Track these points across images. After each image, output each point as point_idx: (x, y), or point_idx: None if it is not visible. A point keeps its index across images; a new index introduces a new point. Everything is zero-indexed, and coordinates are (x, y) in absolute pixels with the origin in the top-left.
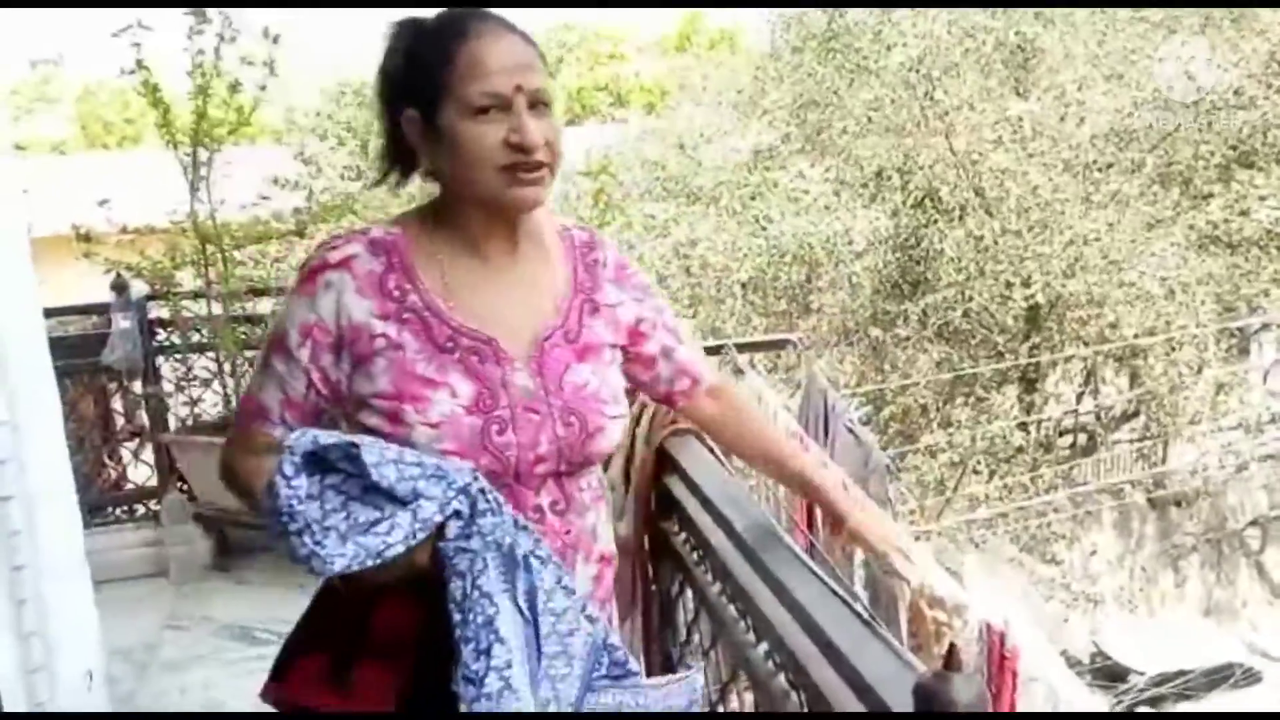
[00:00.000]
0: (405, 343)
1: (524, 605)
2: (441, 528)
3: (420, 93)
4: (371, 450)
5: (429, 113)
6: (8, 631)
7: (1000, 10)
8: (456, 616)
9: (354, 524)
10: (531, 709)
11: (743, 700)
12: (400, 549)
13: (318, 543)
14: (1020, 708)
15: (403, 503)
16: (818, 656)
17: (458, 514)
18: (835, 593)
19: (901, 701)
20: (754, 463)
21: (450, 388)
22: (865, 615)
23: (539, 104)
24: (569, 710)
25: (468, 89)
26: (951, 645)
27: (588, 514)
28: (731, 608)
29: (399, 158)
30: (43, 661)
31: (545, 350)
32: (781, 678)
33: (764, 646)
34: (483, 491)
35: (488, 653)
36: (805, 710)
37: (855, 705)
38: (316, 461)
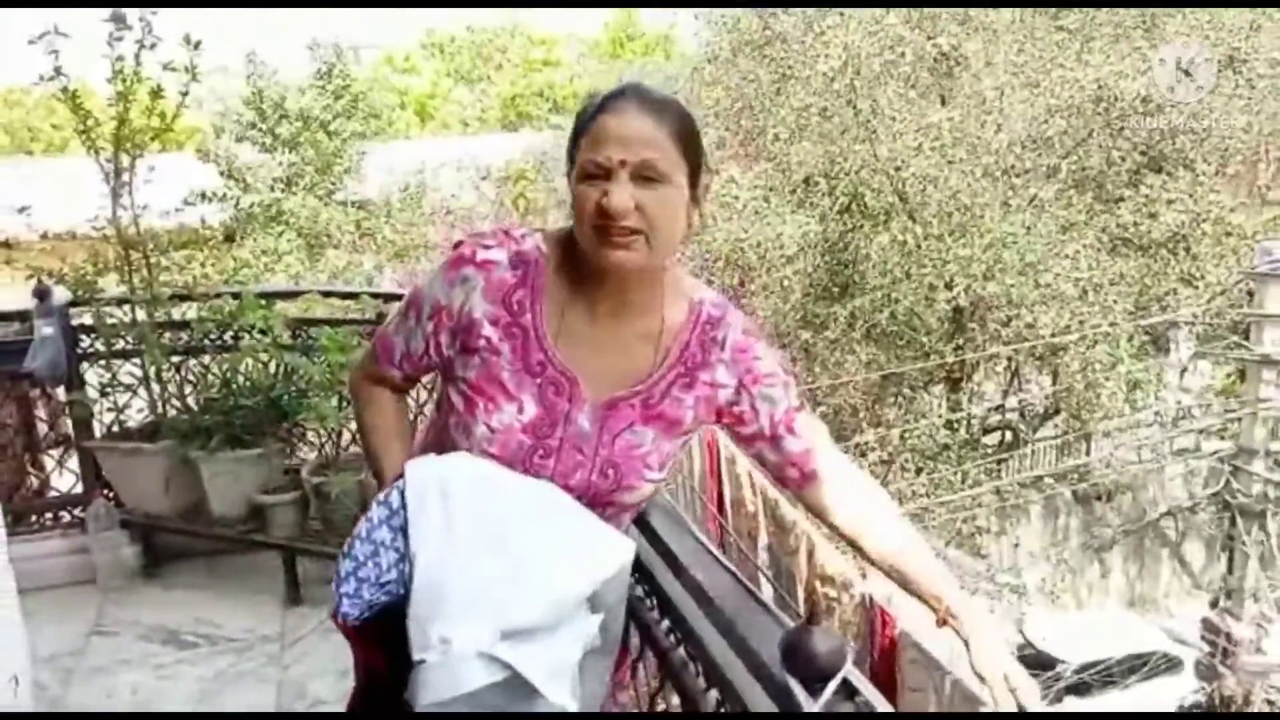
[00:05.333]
0: (502, 351)
1: None
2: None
3: (571, 153)
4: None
5: (571, 171)
6: None
7: (922, 22)
8: None
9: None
10: None
11: (649, 668)
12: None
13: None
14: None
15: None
16: (708, 625)
17: None
18: (726, 568)
19: (773, 652)
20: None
21: (520, 403)
22: (748, 588)
23: (647, 178)
24: None
25: (584, 156)
26: (812, 603)
27: None
28: (639, 589)
29: None
30: None
31: (615, 407)
32: (682, 650)
33: (666, 623)
34: None
35: None
36: (700, 672)
37: (736, 662)
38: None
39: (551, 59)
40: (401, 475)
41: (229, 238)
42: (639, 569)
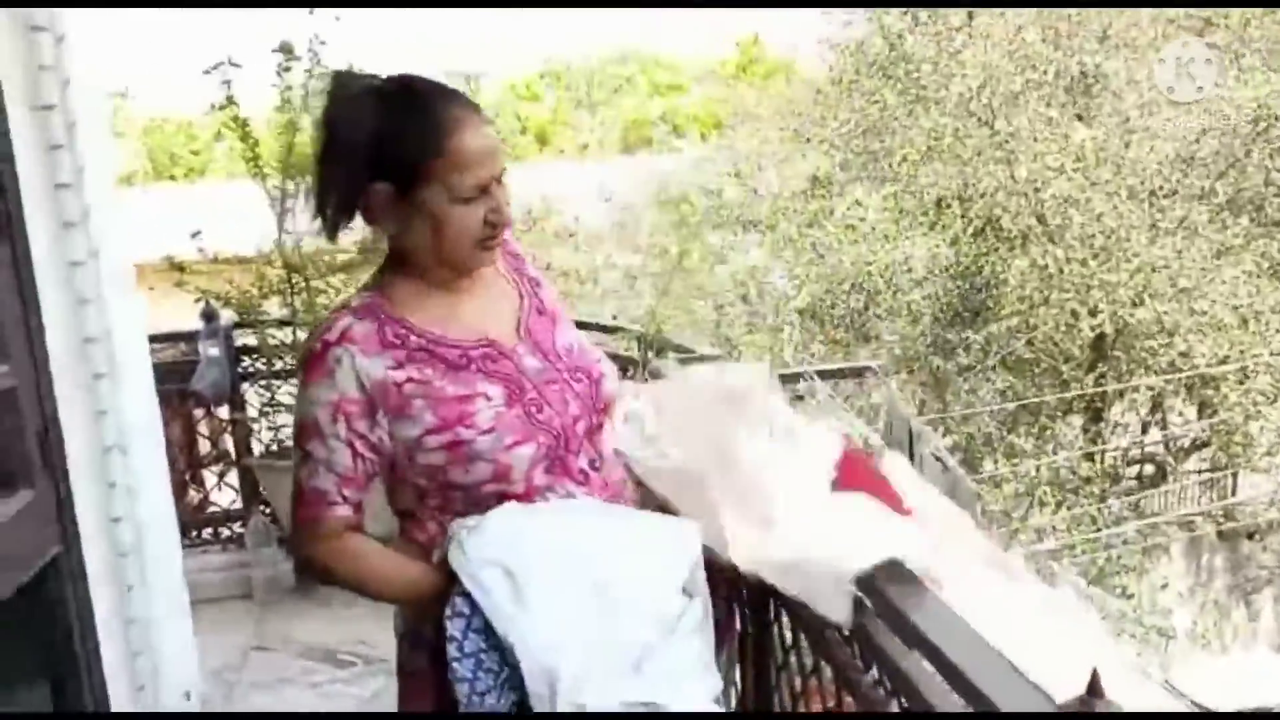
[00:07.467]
0: (428, 377)
1: None
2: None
3: (400, 172)
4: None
5: (405, 189)
6: (118, 650)
7: (1060, 40)
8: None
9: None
10: None
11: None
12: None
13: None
14: None
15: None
16: (938, 682)
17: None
18: (956, 615)
19: None
20: None
21: (484, 395)
22: (990, 643)
23: (498, 181)
24: None
25: (458, 180)
26: (1094, 671)
27: (616, 466)
28: (835, 633)
29: (346, 211)
30: (148, 680)
31: (531, 330)
32: (894, 705)
33: (873, 674)
34: None
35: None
36: None
37: None
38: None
39: (677, 84)
40: (453, 579)
41: (364, 260)
42: (865, 643)
